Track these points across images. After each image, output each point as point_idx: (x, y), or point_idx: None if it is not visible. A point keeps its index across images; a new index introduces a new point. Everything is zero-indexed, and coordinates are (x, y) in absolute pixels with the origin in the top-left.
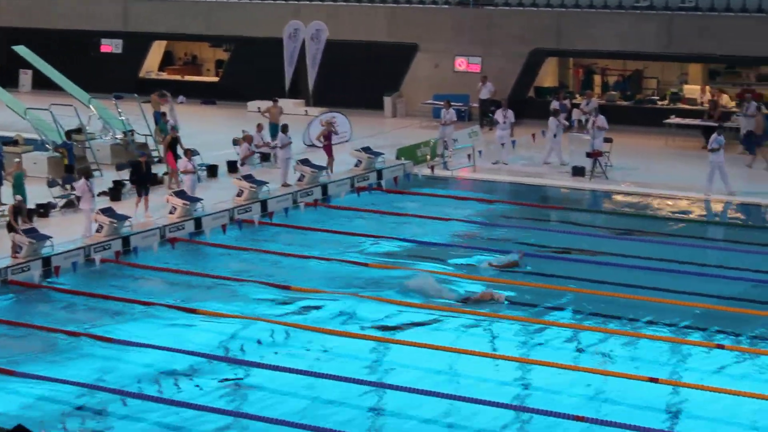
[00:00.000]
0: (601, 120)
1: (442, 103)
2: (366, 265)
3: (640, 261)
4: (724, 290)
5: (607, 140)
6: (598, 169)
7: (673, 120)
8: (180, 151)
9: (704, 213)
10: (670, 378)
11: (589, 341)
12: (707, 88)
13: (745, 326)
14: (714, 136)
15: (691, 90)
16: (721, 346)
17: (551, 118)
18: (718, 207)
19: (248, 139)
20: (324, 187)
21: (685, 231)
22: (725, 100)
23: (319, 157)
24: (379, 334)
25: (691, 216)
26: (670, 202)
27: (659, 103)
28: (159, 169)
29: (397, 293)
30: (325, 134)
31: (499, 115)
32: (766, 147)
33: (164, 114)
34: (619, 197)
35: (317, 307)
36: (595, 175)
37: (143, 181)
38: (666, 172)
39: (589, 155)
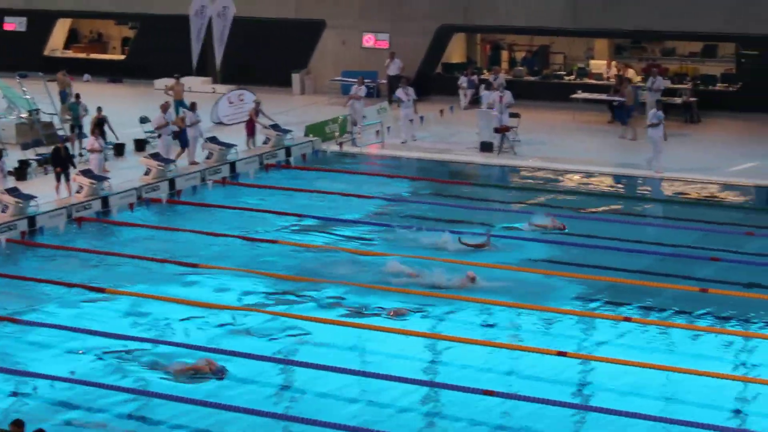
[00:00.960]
0: (508, 96)
1: (351, 80)
2: (274, 241)
3: (550, 235)
4: (629, 263)
5: (515, 115)
6: (506, 144)
7: (580, 95)
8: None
9: (612, 186)
10: (578, 351)
11: (501, 318)
12: (613, 63)
13: (650, 299)
14: (653, 111)
15: (598, 65)
16: (628, 319)
17: (398, 89)
18: (623, 181)
19: (164, 107)
20: (232, 165)
21: (591, 204)
22: (631, 74)
23: (228, 135)
24: (278, 308)
25: (598, 189)
26: (577, 177)
27: (566, 78)
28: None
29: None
30: (252, 114)
31: (401, 93)
32: (635, 118)
33: (78, 95)
34: (526, 172)
35: (226, 289)
36: (503, 150)
37: (62, 166)
38: (573, 147)
39: (497, 130)
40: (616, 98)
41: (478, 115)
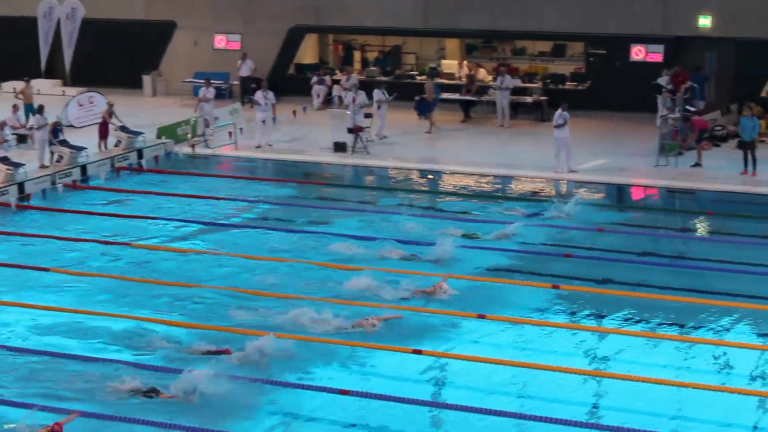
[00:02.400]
0: (361, 96)
1: (202, 81)
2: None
3: (407, 236)
4: (485, 262)
5: (368, 116)
6: (360, 144)
7: None
8: None
9: (465, 185)
10: (434, 350)
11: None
12: (464, 62)
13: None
14: (559, 111)
15: (449, 65)
16: (482, 316)
17: (375, 90)
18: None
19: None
20: (83, 168)
21: (444, 203)
22: (482, 74)
23: (78, 138)
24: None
25: (452, 188)
26: (431, 176)
27: (418, 78)
28: None
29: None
30: (106, 116)
31: (259, 96)
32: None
33: None
34: (380, 172)
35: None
36: (356, 150)
37: None
38: (426, 147)
39: (350, 131)
40: (468, 97)
41: (331, 115)
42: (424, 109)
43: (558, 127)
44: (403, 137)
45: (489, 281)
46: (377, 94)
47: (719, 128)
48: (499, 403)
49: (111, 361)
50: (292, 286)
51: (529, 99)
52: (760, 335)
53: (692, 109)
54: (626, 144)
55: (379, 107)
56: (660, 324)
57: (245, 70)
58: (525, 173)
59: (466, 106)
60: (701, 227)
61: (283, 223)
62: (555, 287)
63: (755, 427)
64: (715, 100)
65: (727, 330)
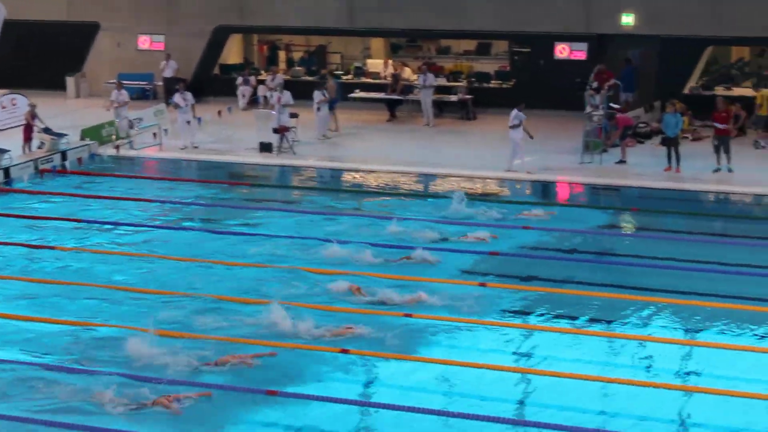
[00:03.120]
0: (287, 96)
1: (126, 82)
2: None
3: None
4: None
5: (294, 116)
6: (286, 144)
7: (358, 94)
8: None
9: (392, 184)
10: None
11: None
12: (390, 61)
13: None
14: (515, 111)
15: (374, 64)
16: (409, 315)
17: (315, 91)
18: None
19: None
20: (6, 171)
21: (372, 204)
22: (407, 73)
23: (1, 141)
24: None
25: (379, 188)
26: (357, 175)
27: (344, 77)
28: None
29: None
30: (28, 118)
31: (178, 98)
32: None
33: None
34: (307, 172)
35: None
36: (282, 150)
37: None
38: (352, 146)
39: (275, 131)
40: (394, 96)
41: (256, 115)
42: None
43: (513, 127)
44: (329, 137)
45: (416, 281)
46: (317, 95)
47: (643, 125)
48: (425, 401)
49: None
50: (219, 287)
51: (454, 97)
52: (685, 330)
53: (616, 106)
54: (551, 142)
55: (319, 108)
56: (586, 320)
57: (169, 71)
58: (453, 171)
59: (391, 106)
60: (626, 224)
61: (209, 224)
62: (482, 285)
63: (680, 421)
64: (638, 97)
65: (652, 325)
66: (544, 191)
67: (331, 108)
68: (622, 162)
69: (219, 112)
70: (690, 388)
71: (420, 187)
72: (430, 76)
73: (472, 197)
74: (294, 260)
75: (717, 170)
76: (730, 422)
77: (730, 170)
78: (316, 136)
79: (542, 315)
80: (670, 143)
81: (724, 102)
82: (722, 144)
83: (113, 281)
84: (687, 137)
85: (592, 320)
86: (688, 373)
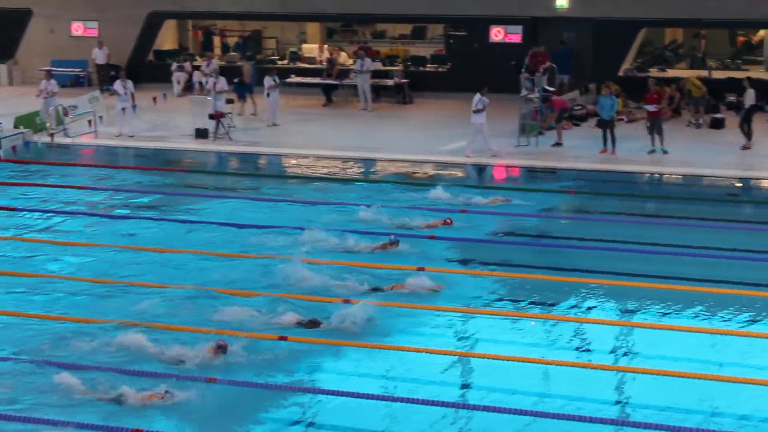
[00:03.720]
0: (222, 82)
1: (60, 69)
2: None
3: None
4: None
5: (229, 101)
6: (222, 130)
7: (294, 79)
8: None
9: (332, 169)
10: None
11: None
12: (325, 46)
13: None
14: (478, 96)
15: (310, 49)
16: (347, 301)
17: (266, 77)
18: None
19: None
20: None
21: (309, 190)
22: (343, 57)
23: None
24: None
25: (317, 173)
26: (294, 161)
27: (279, 62)
28: None
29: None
30: None
31: (118, 86)
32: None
33: None
34: (245, 158)
35: None
36: (218, 136)
37: None
38: (289, 132)
39: (211, 117)
40: (330, 81)
41: (192, 101)
42: (243, 92)
43: (477, 112)
44: (264, 122)
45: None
46: (267, 80)
47: (578, 107)
48: (363, 387)
49: None
50: (157, 275)
51: (390, 82)
52: (621, 311)
53: (551, 89)
54: (487, 125)
55: (269, 94)
56: (523, 303)
57: (101, 58)
58: (391, 156)
59: (327, 90)
60: (563, 206)
61: (145, 211)
62: (420, 269)
63: (617, 402)
64: (574, 80)
65: (589, 308)
66: (481, 175)
67: (249, 92)
68: (558, 144)
69: (154, 99)
70: (626, 368)
71: (361, 171)
72: (368, 60)
73: (427, 181)
74: (233, 246)
75: (652, 152)
76: (664, 401)
77: (664, 151)
78: (265, 123)
79: (480, 298)
80: (606, 125)
81: (655, 84)
82: (654, 126)
83: (49, 269)
84: (622, 119)
85: (530, 302)
86: (624, 354)
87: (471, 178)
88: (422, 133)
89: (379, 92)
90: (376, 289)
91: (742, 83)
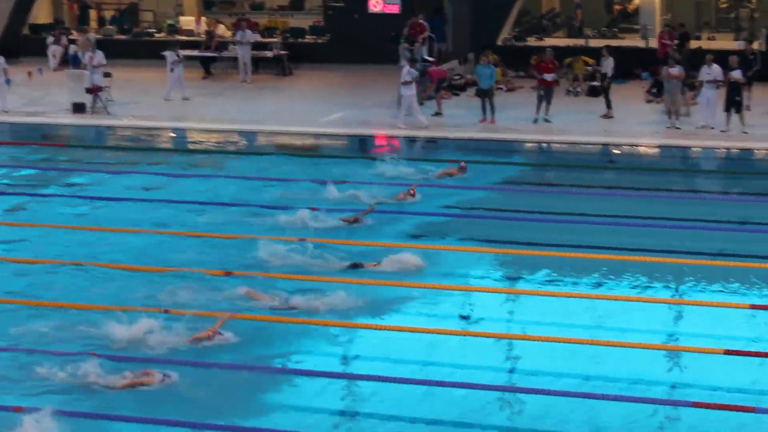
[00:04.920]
0: (99, 55)
1: None
2: None
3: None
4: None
5: (107, 75)
6: (99, 104)
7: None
8: None
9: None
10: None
11: None
12: (203, 18)
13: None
14: (407, 68)
15: (188, 21)
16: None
17: (168, 51)
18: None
19: None
20: None
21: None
22: (221, 29)
23: None
24: None
25: (201, 147)
26: (173, 134)
27: (156, 35)
28: None
29: None
30: None
31: None
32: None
33: None
34: (122, 131)
35: None
36: (95, 110)
37: None
38: (167, 105)
39: (89, 91)
40: (209, 54)
41: (68, 76)
42: (78, 63)
43: (405, 83)
44: (144, 97)
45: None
46: (171, 55)
47: (457, 77)
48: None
49: None
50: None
51: (269, 54)
52: (506, 278)
53: (431, 59)
54: (367, 96)
55: (172, 69)
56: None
57: None
58: (279, 128)
59: (206, 63)
60: (445, 175)
61: (22, 188)
62: (301, 240)
63: (577, 374)
64: (453, 49)
65: (467, 274)
66: (361, 146)
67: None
68: (438, 114)
69: (29, 74)
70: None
71: (244, 144)
72: (248, 32)
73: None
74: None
75: (536, 121)
76: (629, 373)
77: (547, 120)
78: (164, 97)
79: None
80: (485, 94)
81: (551, 54)
82: (547, 95)
83: None
84: (501, 88)
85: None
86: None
87: (352, 149)
88: (303, 104)
89: (258, 64)
90: (355, 266)
91: (601, 52)
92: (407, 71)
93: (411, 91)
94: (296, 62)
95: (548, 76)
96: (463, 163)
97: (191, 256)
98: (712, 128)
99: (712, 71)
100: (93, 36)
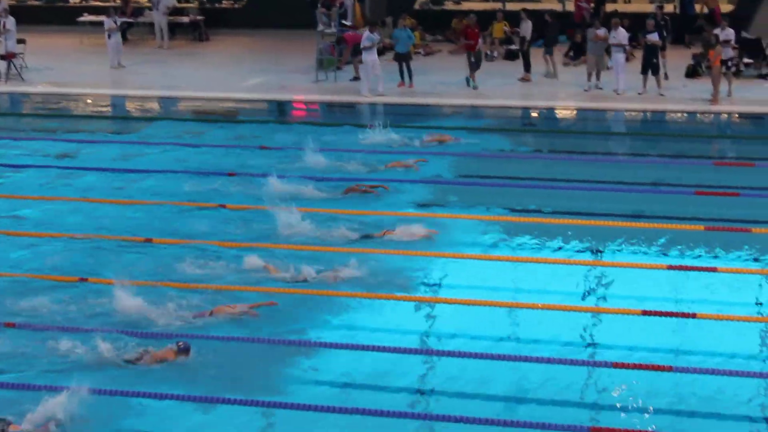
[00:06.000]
0: (11, 21)
1: None
2: None
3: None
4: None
5: (21, 41)
6: (13, 71)
7: (86, 18)
8: None
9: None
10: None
11: None
12: None
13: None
14: (366, 33)
15: None
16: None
17: (105, 18)
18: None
19: None
20: None
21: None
22: None
23: None
24: None
25: (112, 113)
26: (89, 100)
27: (71, 1)
28: None
29: None
30: None
31: None
32: None
33: None
34: (37, 98)
35: None
36: (10, 77)
37: None
38: (81, 71)
39: (2, 57)
40: (125, 19)
41: None
42: None
43: (366, 49)
44: (59, 63)
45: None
46: (108, 22)
47: None
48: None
49: None
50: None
51: (186, 19)
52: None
53: (348, 23)
54: (286, 61)
55: (110, 36)
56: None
57: None
58: (195, 94)
59: (122, 29)
60: (362, 139)
61: None
62: (222, 206)
63: (427, 333)
64: (370, 14)
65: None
66: (280, 111)
67: None
68: (356, 79)
69: None
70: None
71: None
72: None
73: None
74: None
75: (472, 86)
76: (549, 335)
77: (475, 87)
78: (109, 65)
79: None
80: (402, 58)
81: (475, 19)
82: (477, 60)
83: None
84: (419, 52)
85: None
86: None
87: (272, 113)
88: (222, 70)
89: (174, 30)
90: (366, 237)
91: (519, 15)
92: (367, 36)
93: (373, 57)
94: (213, 28)
95: (473, 42)
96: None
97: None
98: (618, 93)
99: (617, 35)
100: (5, 1)
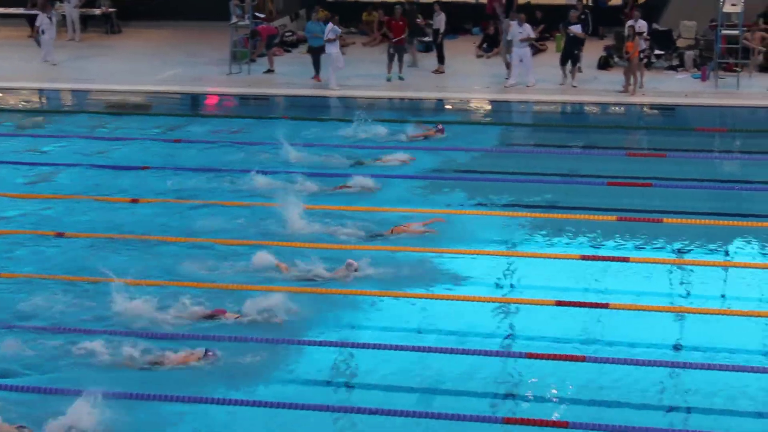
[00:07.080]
0: None
1: None
2: None
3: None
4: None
5: None
6: None
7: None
8: None
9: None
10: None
11: None
12: None
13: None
14: (330, 25)
15: None
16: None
17: (39, 14)
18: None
19: None
20: None
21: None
22: None
23: None
24: None
25: (20, 107)
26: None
27: None
28: None
29: None
30: None
31: None
32: None
33: None
34: None
35: None
36: None
37: None
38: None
39: None
40: (35, 11)
41: None
42: None
43: (329, 41)
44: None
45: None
46: (41, 18)
47: (289, 34)
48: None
49: None
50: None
51: (97, 11)
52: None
53: (261, 15)
54: (199, 54)
55: (43, 32)
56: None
57: None
58: (108, 87)
59: (32, 21)
60: (277, 130)
61: None
62: (134, 201)
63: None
64: (283, 7)
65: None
66: (194, 104)
67: None
68: (270, 71)
69: None
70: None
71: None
72: None
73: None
74: None
75: (389, 79)
76: (463, 327)
77: (401, 78)
78: (41, 59)
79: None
80: (315, 52)
81: (400, 11)
82: (398, 53)
83: None
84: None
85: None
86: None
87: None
88: (135, 63)
89: (86, 22)
90: (376, 234)
91: (432, 7)
92: (330, 29)
93: (335, 49)
94: (125, 20)
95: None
96: (440, 126)
97: None
98: (528, 86)
99: (524, 30)
100: None
